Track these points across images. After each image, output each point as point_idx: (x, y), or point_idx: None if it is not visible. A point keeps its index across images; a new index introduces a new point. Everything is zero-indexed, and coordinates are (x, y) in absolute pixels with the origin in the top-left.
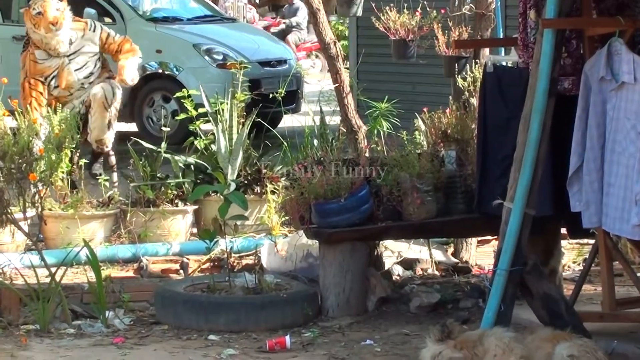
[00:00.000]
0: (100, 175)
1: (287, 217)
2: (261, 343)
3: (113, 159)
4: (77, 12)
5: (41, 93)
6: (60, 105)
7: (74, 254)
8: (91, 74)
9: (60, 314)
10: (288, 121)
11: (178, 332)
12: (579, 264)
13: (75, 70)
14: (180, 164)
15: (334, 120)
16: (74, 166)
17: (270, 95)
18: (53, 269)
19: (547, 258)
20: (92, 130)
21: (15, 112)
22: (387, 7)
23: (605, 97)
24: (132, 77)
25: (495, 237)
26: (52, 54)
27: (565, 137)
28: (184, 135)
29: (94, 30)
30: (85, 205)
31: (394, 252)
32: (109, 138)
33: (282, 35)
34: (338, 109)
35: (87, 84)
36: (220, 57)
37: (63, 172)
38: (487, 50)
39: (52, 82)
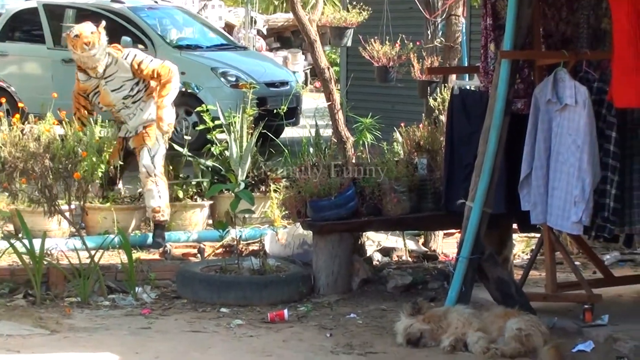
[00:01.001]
0: (163, 246)
1: (286, 212)
2: (264, 315)
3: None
4: (116, 39)
5: (84, 106)
6: (115, 123)
7: (110, 240)
8: (129, 96)
9: (98, 289)
10: (289, 132)
11: (195, 305)
12: (527, 254)
13: (112, 90)
14: (200, 166)
15: (327, 132)
16: (112, 167)
17: (275, 111)
18: (92, 252)
19: (501, 248)
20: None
21: (63, 122)
22: (372, 39)
23: (551, 117)
24: (167, 128)
25: (458, 230)
26: (91, 74)
27: (518, 149)
28: (203, 143)
29: (126, 58)
30: (121, 199)
31: (374, 241)
32: (162, 207)
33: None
34: (330, 123)
35: (129, 104)
36: (234, 79)
37: (102, 172)
38: (454, 76)
39: (95, 99)
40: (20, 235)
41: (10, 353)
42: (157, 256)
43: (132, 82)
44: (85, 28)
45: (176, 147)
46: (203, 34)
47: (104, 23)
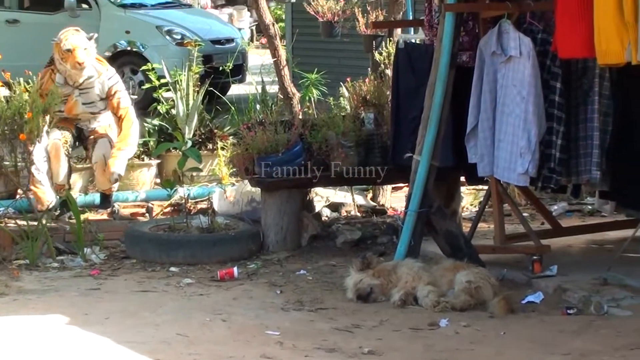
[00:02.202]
0: (112, 206)
1: (234, 169)
2: (213, 273)
3: None
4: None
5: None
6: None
7: (57, 201)
8: (98, 111)
9: (46, 251)
10: (235, 90)
11: (144, 265)
12: (475, 206)
13: (83, 103)
14: (146, 126)
15: (273, 88)
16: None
17: (220, 68)
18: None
19: (449, 201)
20: (97, 183)
21: (8, 83)
22: None
23: (496, 68)
24: (114, 179)
25: (406, 184)
26: (69, 82)
27: (464, 102)
28: (149, 102)
29: (109, 79)
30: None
31: (323, 197)
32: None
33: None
34: (276, 79)
35: (94, 114)
36: (179, 37)
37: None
38: (399, 30)
39: (60, 105)
40: None
41: None
42: (105, 216)
43: (103, 102)
44: (79, 42)
45: None
46: None
47: (95, 35)
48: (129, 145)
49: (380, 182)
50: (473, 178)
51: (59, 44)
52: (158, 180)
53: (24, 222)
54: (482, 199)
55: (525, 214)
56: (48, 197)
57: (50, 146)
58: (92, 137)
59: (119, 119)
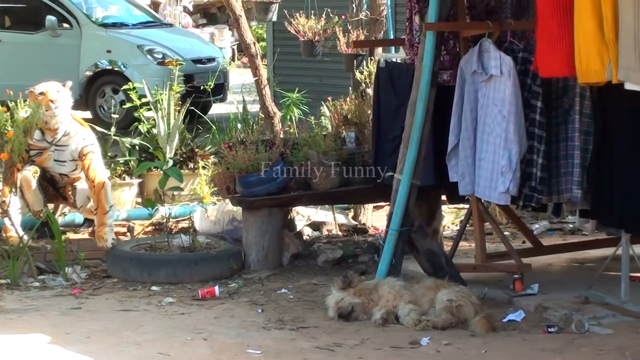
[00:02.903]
0: (92, 225)
1: (215, 188)
2: (195, 292)
3: None
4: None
5: (23, 159)
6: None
7: (39, 221)
8: (66, 173)
9: (28, 270)
10: (216, 109)
11: (126, 284)
12: (456, 225)
13: (55, 160)
14: (127, 145)
15: (254, 107)
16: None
17: (202, 87)
18: (21, 233)
19: (430, 220)
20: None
21: None
22: (297, 14)
23: (477, 87)
24: (111, 241)
25: (388, 203)
26: (47, 136)
27: (445, 121)
28: (130, 121)
29: (83, 139)
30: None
31: (304, 216)
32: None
33: None
34: (257, 98)
35: (62, 175)
36: (160, 56)
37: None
38: (380, 49)
39: (32, 154)
40: None
41: None
42: (86, 235)
43: (74, 162)
44: (51, 86)
45: (99, 129)
46: (128, 11)
47: (70, 83)
48: (109, 216)
49: (361, 201)
50: (454, 197)
51: (32, 91)
52: (139, 200)
53: (5, 242)
54: (463, 217)
55: (506, 233)
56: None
57: (22, 180)
58: (66, 182)
59: (90, 181)
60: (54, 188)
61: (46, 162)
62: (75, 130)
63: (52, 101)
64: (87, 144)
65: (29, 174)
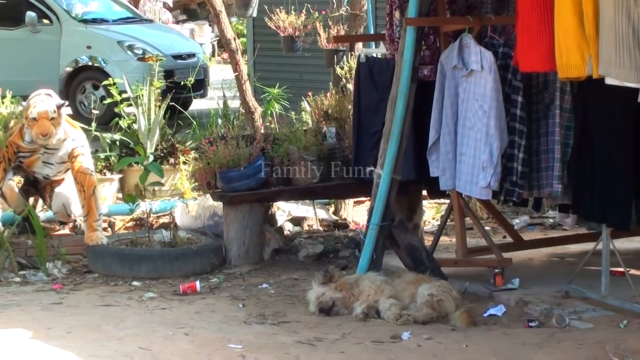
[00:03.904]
0: (74, 220)
1: (196, 183)
2: (176, 287)
3: None
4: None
5: (9, 160)
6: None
7: (19, 217)
8: (53, 174)
9: (8, 266)
10: (197, 104)
11: (107, 279)
12: (437, 220)
13: (44, 162)
14: (108, 140)
15: (235, 103)
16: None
17: (182, 83)
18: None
19: (411, 215)
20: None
21: None
22: (278, 9)
23: (458, 82)
24: (101, 241)
25: (368, 198)
26: (38, 140)
27: (425, 116)
28: (111, 117)
29: (73, 141)
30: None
31: (285, 211)
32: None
33: None
34: (238, 94)
35: (48, 175)
36: (140, 52)
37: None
38: (360, 44)
39: (21, 156)
40: None
41: None
42: (67, 231)
43: (64, 165)
44: (46, 111)
45: (81, 125)
46: (108, 7)
47: (65, 102)
48: (98, 218)
49: (342, 196)
50: (435, 192)
51: (27, 109)
52: (120, 195)
53: None
54: (444, 212)
55: (487, 228)
56: None
57: (5, 188)
58: (48, 185)
59: (80, 185)
60: (35, 189)
61: (34, 163)
62: (66, 133)
63: (42, 135)
64: (77, 146)
65: (13, 184)
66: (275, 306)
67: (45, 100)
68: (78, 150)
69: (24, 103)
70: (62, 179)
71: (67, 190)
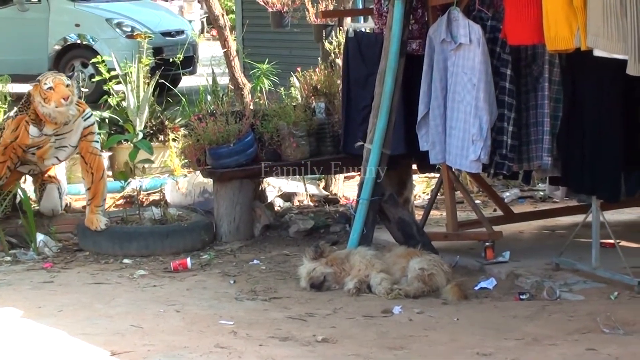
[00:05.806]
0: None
1: (186, 160)
2: (166, 264)
3: None
4: None
5: (18, 158)
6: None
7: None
8: (64, 158)
9: None
10: (186, 81)
11: (97, 257)
12: (427, 194)
13: (56, 148)
14: (97, 118)
15: (224, 79)
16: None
17: (171, 60)
18: None
19: (401, 189)
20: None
21: None
22: None
23: (446, 56)
24: (102, 224)
25: (358, 173)
26: (47, 129)
27: (414, 90)
28: (100, 95)
29: (85, 120)
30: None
31: (275, 187)
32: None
33: None
34: (227, 70)
35: (59, 160)
36: (129, 29)
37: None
38: (349, 19)
39: (32, 152)
40: None
41: None
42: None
43: (73, 149)
44: (61, 79)
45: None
46: None
47: (76, 74)
48: (102, 203)
49: (332, 172)
50: (425, 166)
51: (38, 85)
52: (110, 173)
53: None
54: (434, 186)
55: (477, 201)
56: None
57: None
58: (40, 179)
59: (87, 165)
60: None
61: (47, 152)
62: (78, 110)
63: (64, 98)
64: (89, 124)
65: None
66: (266, 282)
67: (56, 74)
68: (90, 129)
69: (33, 82)
70: (54, 176)
71: (57, 193)
